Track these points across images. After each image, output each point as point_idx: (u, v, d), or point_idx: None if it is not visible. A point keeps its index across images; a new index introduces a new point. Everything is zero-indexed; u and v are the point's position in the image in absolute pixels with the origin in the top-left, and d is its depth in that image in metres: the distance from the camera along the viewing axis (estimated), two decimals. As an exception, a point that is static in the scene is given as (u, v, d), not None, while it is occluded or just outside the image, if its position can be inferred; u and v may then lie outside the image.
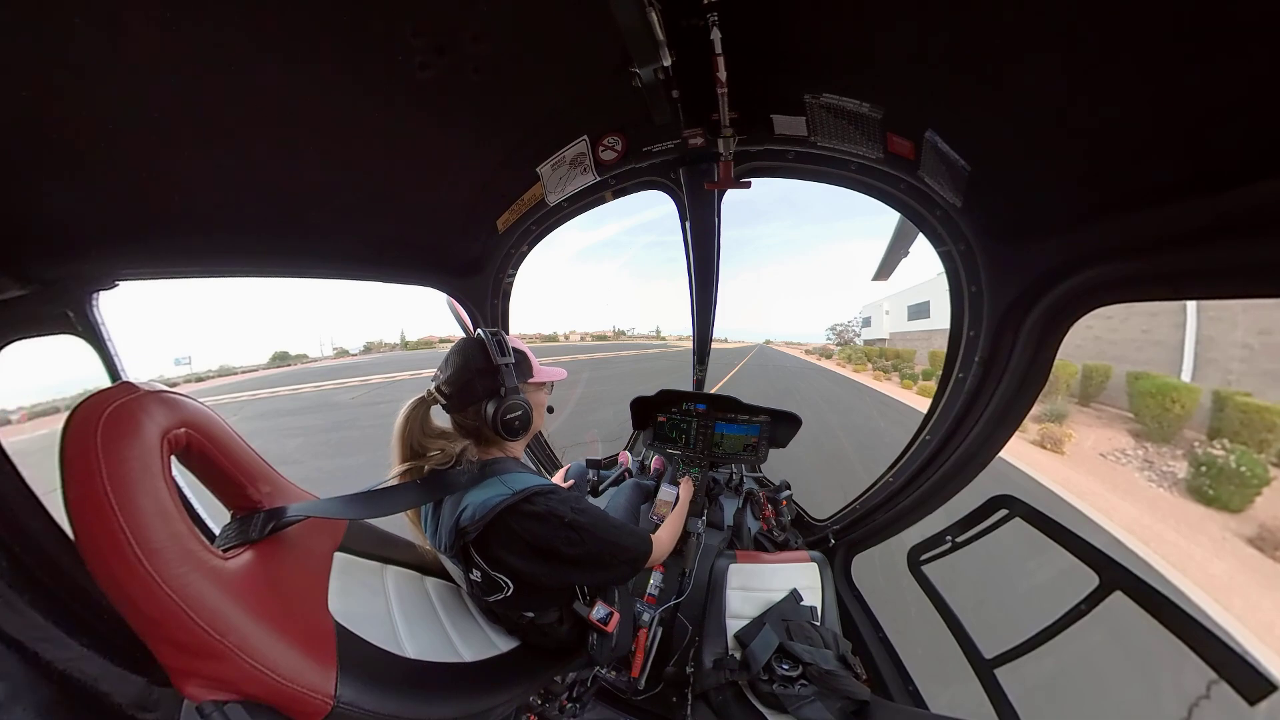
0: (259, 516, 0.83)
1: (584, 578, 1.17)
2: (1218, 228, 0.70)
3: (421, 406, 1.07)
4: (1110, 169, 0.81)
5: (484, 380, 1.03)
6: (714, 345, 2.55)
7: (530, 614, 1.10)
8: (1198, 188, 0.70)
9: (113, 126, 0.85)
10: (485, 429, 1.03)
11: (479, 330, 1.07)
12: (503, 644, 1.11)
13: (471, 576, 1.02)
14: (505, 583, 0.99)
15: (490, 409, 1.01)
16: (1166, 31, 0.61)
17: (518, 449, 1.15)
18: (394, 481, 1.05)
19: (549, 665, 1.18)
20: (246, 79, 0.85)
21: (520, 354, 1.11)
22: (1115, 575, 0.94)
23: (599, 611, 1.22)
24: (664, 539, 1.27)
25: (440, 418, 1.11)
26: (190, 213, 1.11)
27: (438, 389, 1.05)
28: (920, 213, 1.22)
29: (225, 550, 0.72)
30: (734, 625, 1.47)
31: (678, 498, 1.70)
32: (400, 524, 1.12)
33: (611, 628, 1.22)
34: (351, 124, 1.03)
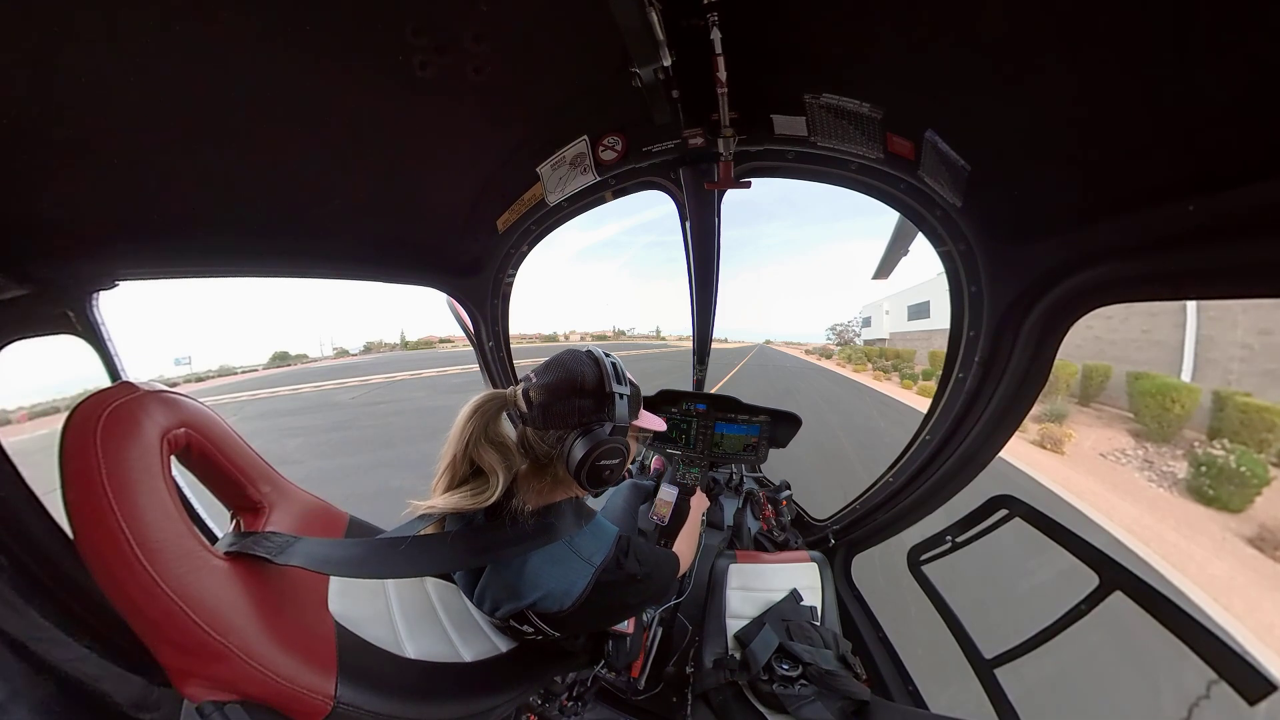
0: (269, 545, 0.77)
1: (633, 614, 1.16)
2: (1218, 228, 0.70)
3: (492, 405, 0.87)
4: (1110, 169, 0.81)
5: (586, 404, 0.83)
6: (714, 345, 2.55)
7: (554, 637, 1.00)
8: (1198, 188, 0.70)
9: (113, 126, 0.85)
10: (558, 464, 0.85)
11: (592, 348, 0.90)
12: (503, 644, 1.11)
13: (522, 629, 0.93)
14: (556, 635, 0.92)
15: (579, 448, 0.80)
16: (1167, 31, 0.61)
17: (583, 493, 0.96)
18: (427, 511, 0.89)
19: (549, 666, 1.18)
20: (246, 79, 0.85)
21: (634, 388, 0.93)
22: (1115, 575, 0.94)
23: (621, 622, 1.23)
24: (686, 554, 1.23)
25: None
26: (190, 213, 1.11)
27: (525, 394, 0.85)
28: (920, 213, 1.22)
29: (226, 552, 0.72)
30: (734, 625, 1.47)
31: (682, 506, 1.68)
32: (399, 524, 1.11)
33: (630, 629, 1.24)
34: (351, 123, 1.03)
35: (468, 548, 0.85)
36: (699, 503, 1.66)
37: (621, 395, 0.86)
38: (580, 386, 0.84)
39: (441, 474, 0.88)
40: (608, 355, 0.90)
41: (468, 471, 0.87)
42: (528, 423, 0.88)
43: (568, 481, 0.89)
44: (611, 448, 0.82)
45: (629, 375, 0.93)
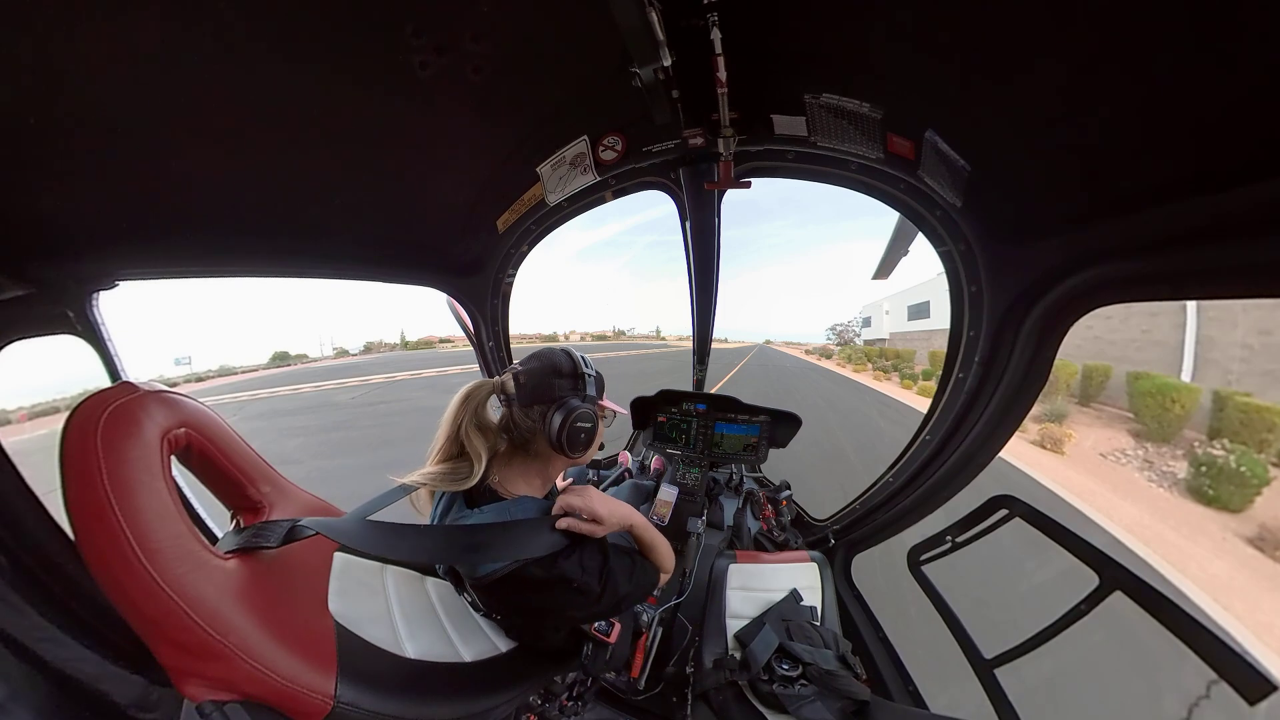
0: (273, 530, 0.81)
1: (572, 624, 1.18)
2: (1218, 228, 0.70)
3: (481, 392, 0.99)
4: (1110, 169, 0.81)
5: (564, 382, 0.98)
6: (714, 345, 2.55)
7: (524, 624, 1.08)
8: (1198, 188, 0.70)
9: (113, 126, 0.85)
10: (539, 439, 0.97)
11: (562, 346, 1.05)
12: (503, 644, 1.11)
13: (465, 598, 1.04)
14: (485, 609, 1.02)
15: (558, 417, 0.93)
16: (1167, 31, 0.61)
17: (557, 470, 1.08)
18: (406, 483, 0.97)
19: (549, 666, 1.18)
20: (246, 79, 0.85)
21: (598, 374, 1.08)
22: (1115, 575, 0.94)
23: (600, 624, 1.21)
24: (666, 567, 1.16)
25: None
26: (190, 213, 1.11)
27: (515, 377, 0.98)
28: (920, 213, 1.22)
29: (227, 552, 0.72)
30: (734, 625, 1.47)
31: (681, 507, 1.66)
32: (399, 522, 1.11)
33: (612, 639, 1.22)
34: (351, 124, 1.03)
35: (453, 543, 0.90)
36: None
37: (590, 376, 1.03)
38: (559, 370, 1.00)
39: (433, 455, 0.98)
40: (576, 351, 1.06)
41: (455, 452, 0.98)
42: (514, 402, 0.99)
43: (547, 454, 1.00)
44: (584, 412, 0.96)
45: (594, 367, 1.08)
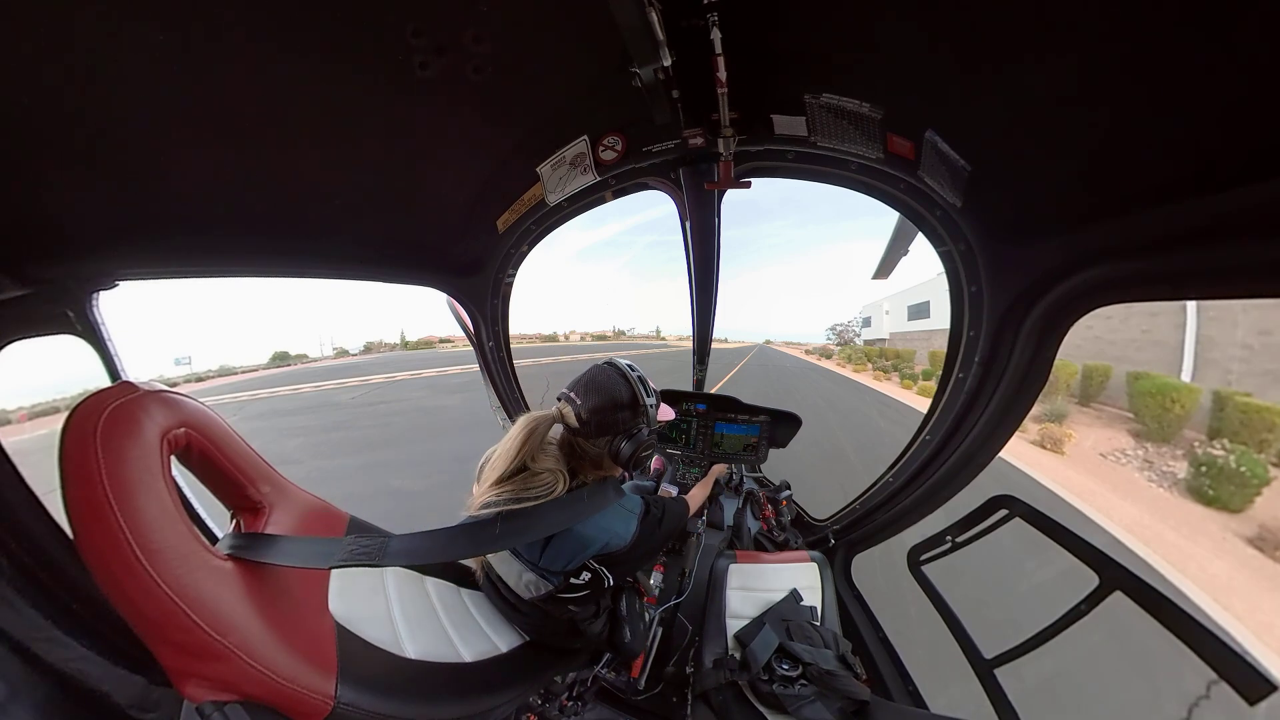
0: (369, 549, 0.83)
1: (661, 547, 1.34)
2: (1218, 228, 0.70)
3: (543, 423, 1.10)
4: (1110, 169, 0.81)
5: (625, 415, 1.08)
6: (714, 345, 2.55)
7: (575, 609, 1.11)
8: (1198, 188, 0.70)
9: (113, 126, 0.85)
10: (606, 460, 1.10)
11: (613, 361, 1.13)
12: (503, 644, 1.11)
13: (578, 580, 1.06)
14: (608, 578, 1.07)
15: (627, 448, 1.07)
16: (1167, 31, 0.61)
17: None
18: (483, 503, 1.02)
19: (549, 665, 1.18)
20: (246, 79, 0.85)
21: (657, 396, 1.17)
22: (1115, 575, 0.94)
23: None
24: (697, 498, 1.70)
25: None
26: (190, 213, 1.11)
27: (577, 414, 1.08)
28: (920, 213, 1.22)
29: (334, 566, 0.73)
30: (734, 625, 1.47)
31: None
32: (401, 524, 1.11)
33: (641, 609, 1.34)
34: (351, 124, 1.03)
35: (526, 526, 0.97)
36: (719, 469, 2.07)
37: (653, 406, 1.12)
38: (619, 404, 1.08)
39: (493, 478, 1.06)
40: (632, 369, 1.12)
41: (514, 471, 1.06)
42: (579, 435, 1.10)
43: (611, 467, 1.16)
44: (649, 443, 1.10)
45: (651, 384, 1.16)
